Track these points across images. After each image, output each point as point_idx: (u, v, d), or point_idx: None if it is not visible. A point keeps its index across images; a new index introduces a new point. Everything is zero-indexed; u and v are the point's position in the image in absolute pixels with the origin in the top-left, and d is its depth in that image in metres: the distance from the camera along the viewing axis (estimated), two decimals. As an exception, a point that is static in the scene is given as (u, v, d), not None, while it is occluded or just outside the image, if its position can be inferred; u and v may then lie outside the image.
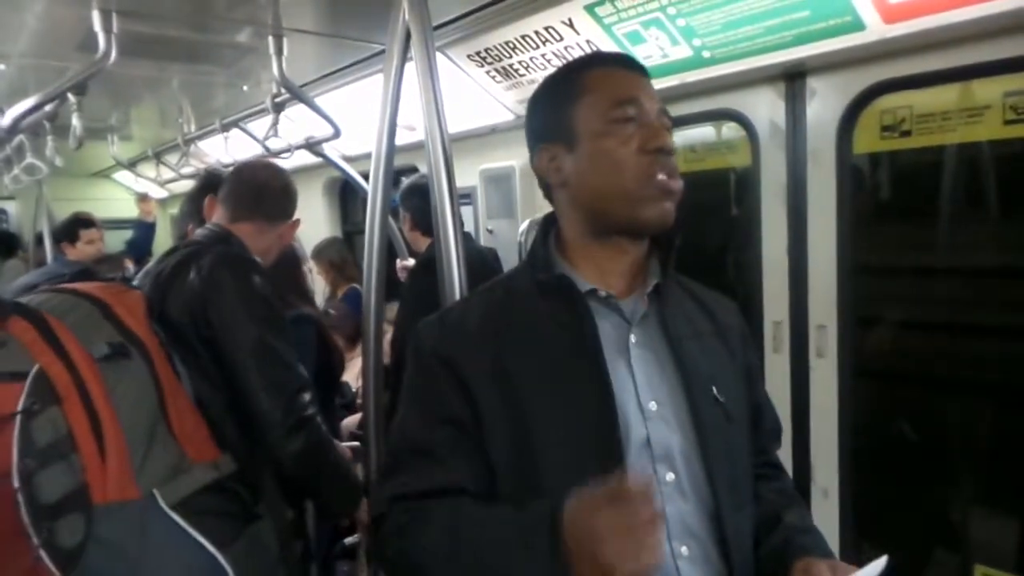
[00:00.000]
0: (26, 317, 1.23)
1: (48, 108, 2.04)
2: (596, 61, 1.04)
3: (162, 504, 1.22)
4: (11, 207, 6.46)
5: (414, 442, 0.99)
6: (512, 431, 0.93)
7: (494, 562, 0.85)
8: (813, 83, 1.82)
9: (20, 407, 1.14)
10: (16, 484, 1.11)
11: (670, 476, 0.93)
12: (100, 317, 1.31)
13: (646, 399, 0.95)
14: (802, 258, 1.89)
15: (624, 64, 1.03)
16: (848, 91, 1.76)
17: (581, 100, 0.99)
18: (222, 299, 1.47)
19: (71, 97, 2.15)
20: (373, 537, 1.03)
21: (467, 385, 0.96)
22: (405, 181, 2.52)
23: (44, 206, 4.25)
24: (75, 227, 3.76)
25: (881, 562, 0.80)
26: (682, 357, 0.98)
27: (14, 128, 1.86)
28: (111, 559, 1.17)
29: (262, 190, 1.74)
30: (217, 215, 1.74)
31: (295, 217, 1.83)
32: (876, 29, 1.53)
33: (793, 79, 1.85)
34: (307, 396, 1.50)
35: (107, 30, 1.79)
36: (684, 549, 0.92)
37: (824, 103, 1.81)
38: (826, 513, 1.89)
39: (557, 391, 0.93)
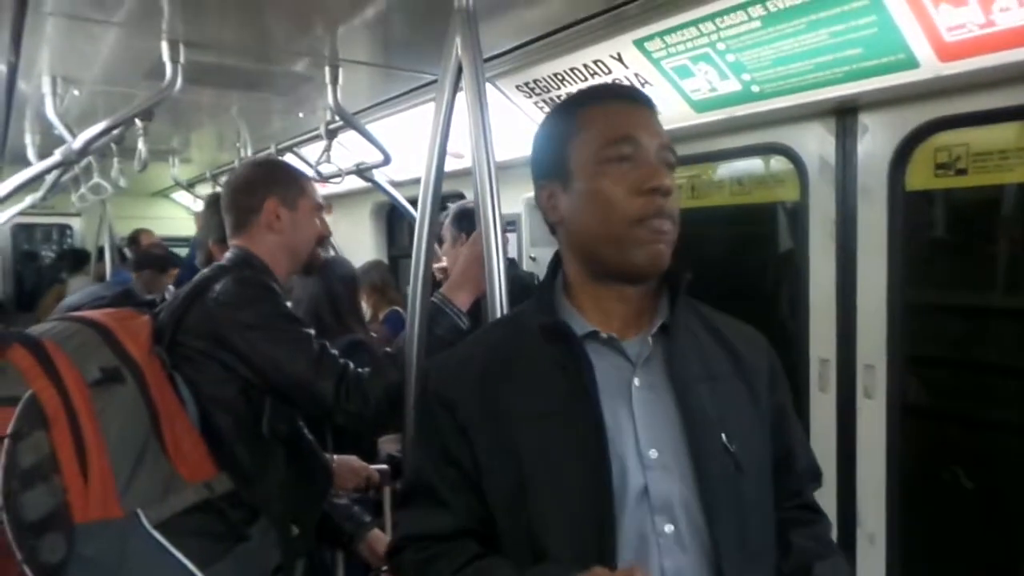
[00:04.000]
0: (26, 345, 1.30)
1: (116, 132, 2.14)
2: (593, 96, 1.02)
3: (145, 523, 1.26)
4: (76, 224, 6.75)
5: (421, 481, 1.01)
6: (508, 474, 0.92)
7: None
8: (865, 119, 1.80)
9: (9, 431, 1.20)
10: (0, 503, 1.17)
11: (668, 528, 0.89)
12: (100, 342, 1.37)
13: (646, 446, 0.91)
14: (851, 295, 1.85)
15: (624, 97, 1.00)
16: (901, 128, 1.73)
17: (575, 138, 0.97)
18: (236, 327, 1.46)
19: (138, 122, 2.25)
20: (392, 564, 1.05)
21: (465, 428, 0.95)
22: (453, 206, 2.57)
23: (107, 223, 4.43)
24: (167, 264, 3.91)
25: None
26: (687, 402, 0.94)
27: (84, 150, 1.96)
28: (92, 575, 1.22)
29: (226, 200, 1.70)
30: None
31: (274, 195, 1.65)
32: (930, 67, 1.51)
33: (844, 115, 1.83)
34: (327, 350, 1.48)
35: (174, 60, 1.89)
36: None
37: (876, 139, 1.78)
38: (872, 560, 1.83)
39: (552, 436, 0.91)
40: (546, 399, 0.93)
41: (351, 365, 1.48)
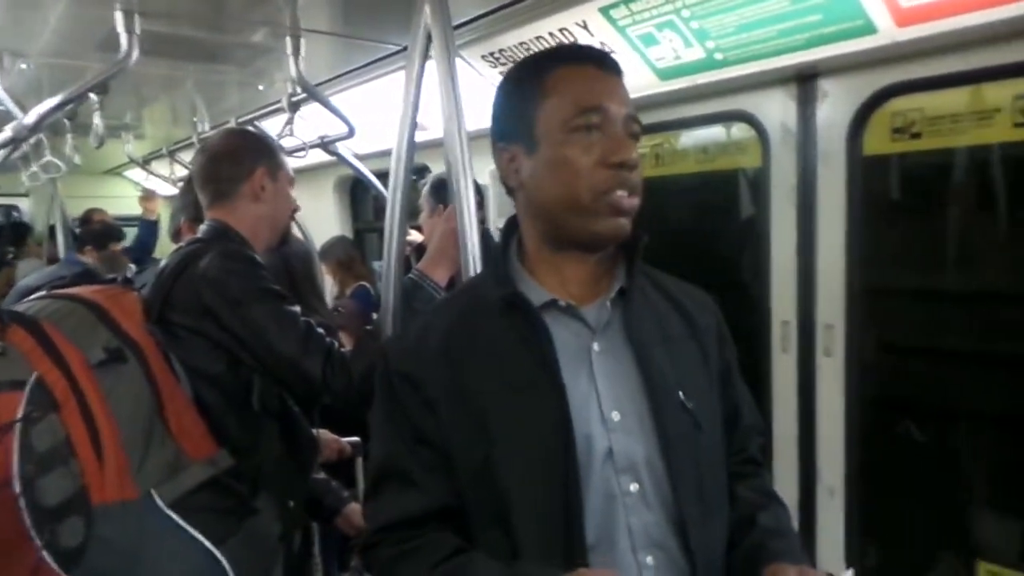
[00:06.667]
0: (24, 326, 1.26)
1: (70, 106, 2.08)
2: (561, 57, 0.98)
3: (159, 503, 1.26)
4: (24, 204, 6.53)
5: (390, 464, 0.99)
6: (476, 449, 0.92)
7: None
8: (824, 85, 1.84)
9: (20, 415, 1.17)
10: (18, 489, 1.13)
11: (634, 487, 0.91)
12: (96, 321, 1.34)
13: (608, 409, 0.93)
14: (811, 258, 1.91)
15: (593, 61, 0.97)
16: (859, 93, 1.78)
17: (543, 103, 0.94)
18: (225, 303, 1.44)
19: (92, 96, 2.18)
20: (365, 561, 1.05)
21: (431, 404, 0.95)
22: (430, 177, 2.56)
23: (58, 203, 4.30)
24: (107, 239, 3.83)
25: (848, 574, 0.82)
26: (647, 364, 0.95)
27: (37, 126, 1.89)
28: (111, 557, 1.21)
29: (206, 170, 1.65)
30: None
31: (262, 164, 1.63)
32: (888, 32, 1.55)
33: (804, 81, 1.87)
34: (313, 328, 1.47)
35: (129, 30, 1.82)
36: (650, 559, 0.91)
37: (835, 105, 1.83)
38: (832, 512, 1.92)
39: (516, 406, 0.92)
40: (510, 372, 0.94)
41: (336, 344, 1.47)
